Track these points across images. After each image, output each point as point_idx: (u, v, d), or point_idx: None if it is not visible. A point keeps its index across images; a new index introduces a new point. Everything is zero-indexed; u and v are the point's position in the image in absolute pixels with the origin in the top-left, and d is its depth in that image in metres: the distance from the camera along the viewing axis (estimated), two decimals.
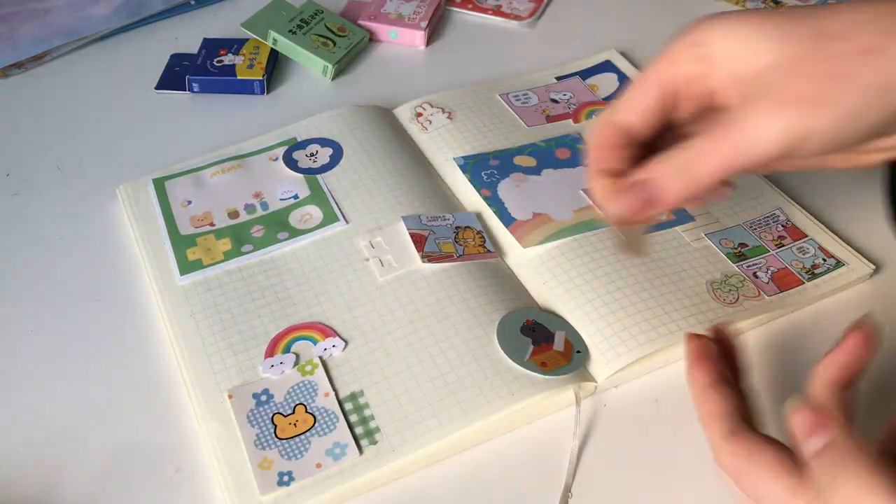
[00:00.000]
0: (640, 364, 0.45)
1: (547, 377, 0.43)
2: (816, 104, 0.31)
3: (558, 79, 0.66)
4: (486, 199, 0.55)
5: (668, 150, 0.35)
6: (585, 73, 0.67)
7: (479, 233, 0.52)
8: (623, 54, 0.69)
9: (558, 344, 0.45)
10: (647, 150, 0.37)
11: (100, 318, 0.50)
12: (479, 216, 0.54)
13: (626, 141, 0.37)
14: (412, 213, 0.53)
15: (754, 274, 0.50)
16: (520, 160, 0.58)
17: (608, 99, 0.64)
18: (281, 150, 0.59)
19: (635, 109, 0.37)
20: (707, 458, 0.42)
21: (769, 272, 0.50)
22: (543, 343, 0.45)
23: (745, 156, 0.33)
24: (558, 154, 0.58)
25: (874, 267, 0.51)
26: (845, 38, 0.31)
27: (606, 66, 0.67)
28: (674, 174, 0.34)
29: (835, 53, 0.31)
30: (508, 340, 0.45)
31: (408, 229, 0.52)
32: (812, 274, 0.50)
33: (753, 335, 0.48)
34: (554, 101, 0.64)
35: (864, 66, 0.31)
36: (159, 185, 0.57)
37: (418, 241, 0.51)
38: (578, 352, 0.45)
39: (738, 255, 0.51)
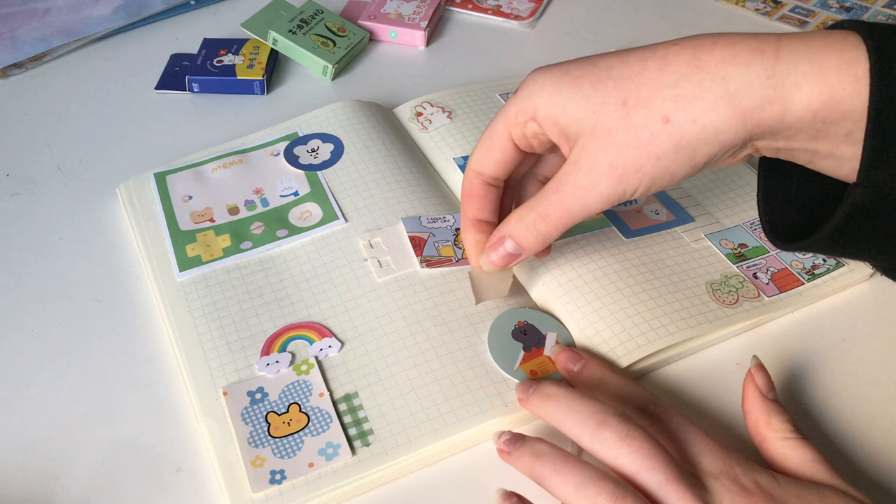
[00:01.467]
0: (639, 365, 0.45)
1: None
2: (629, 171, 0.37)
3: None
4: None
5: (520, 206, 0.42)
6: None
7: None
8: None
9: (548, 348, 0.45)
10: (517, 187, 0.46)
11: (100, 317, 0.50)
12: None
13: (488, 189, 0.44)
14: (412, 213, 0.53)
15: (754, 275, 0.49)
16: None
17: None
18: (282, 145, 0.59)
19: (489, 161, 0.43)
20: None
21: (769, 273, 0.50)
22: (534, 347, 0.45)
23: (581, 212, 0.39)
24: None
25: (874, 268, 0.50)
26: (647, 105, 0.36)
27: None
28: (527, 231, 0.41)
29: (639, 121, 0.36)
30: (499, 347, 0.45)
31: (407, 232, 0.51)
32: (812, 275, 0.50)
33: (753, 336, 0.48)
34: None
35: (663, 134, 0.36)
36: (161, 179, 0.57)
37: (417, 244, 0.51)
38: None
39: (738, 256, 0.51)
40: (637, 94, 0.36)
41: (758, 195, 0.43)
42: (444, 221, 0.53)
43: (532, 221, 0.41)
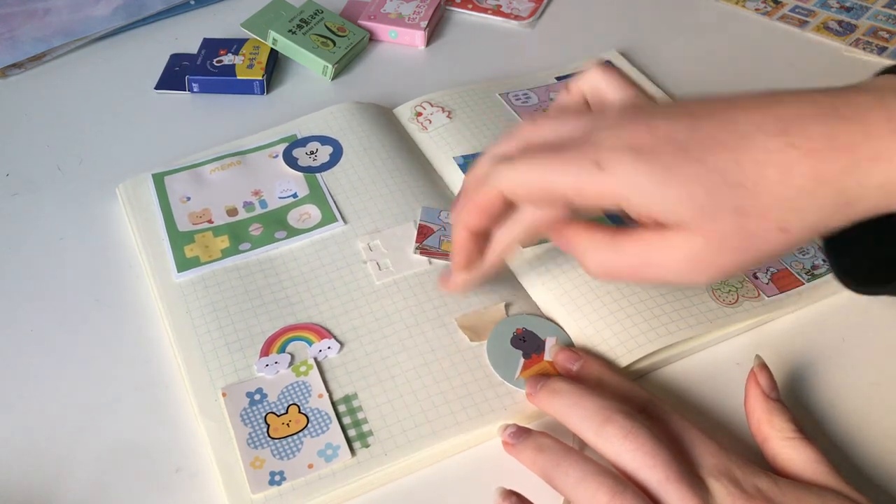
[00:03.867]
0: (639, 365, 0.45)
1: None
2: (730, 269, 0.36)
3: (558, 79, 0.66)
4: None
5: (589, 241, 0.38)
6: None
7: None
8: (623, 54, 0.68)
9: (548, 353, 0.45)
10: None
11: (100, 317, 0.50)
12: None
13: (478, 239, 0.42)
14: (411, 215, 0.53)
15: (754, 274, 0.49)
16: None
17: None
18: (281, 148, 0.59)
19: (480, 219, 0.40)
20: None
21: (769, 273, 0.49)
22: (534, 354, 0.45)
23: (649, 283, 0.45)
24: None
25: None
26: (765, 216, 0.34)
27: None
28: (597, 265, 0.38)
29: (756, 231, 0.34)
30: (499, 356, 0.45)
31: (421, 220, 0.52)
32: (812, 275, 0.50)
33: (753, 336, 0.48)
34: (553, 100, 0.64)
35: (777, 241, 0.35)
36: (159, 180, 0.57)
37: (423, 232, 0.51)
38: None
39: None
40: (755, 205, 0.34)
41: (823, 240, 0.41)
42: None
43: (601, 266, 0.38)
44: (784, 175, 0.34)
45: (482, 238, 0.42)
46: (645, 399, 0.41)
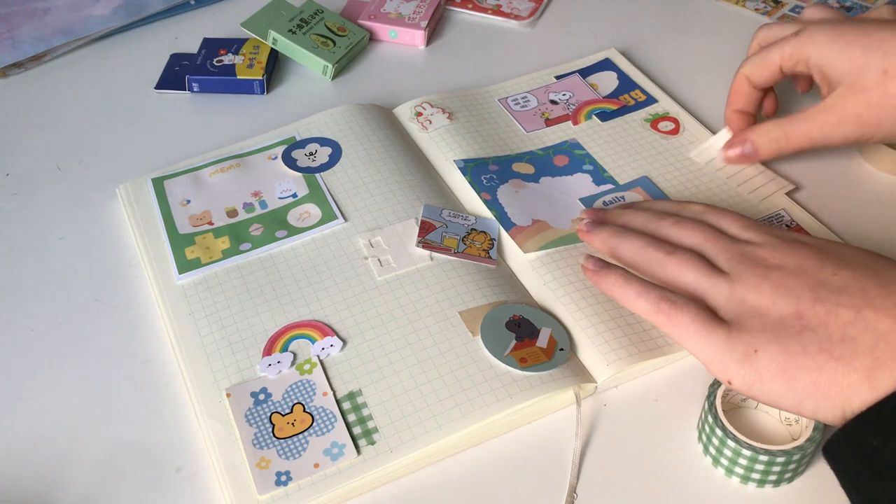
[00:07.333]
0: (640, 365, 0.45)
1: (526, 373, 0.43)
2: (871, 124, 0.48)
3: (558, 78, 0.66)
4: (485, 202, 0.54)
5: (770, 122, 0.53)
6: (585, 72, 0.67)
7: (491, 240, 0.52)
8: (623, 54, 0.69)
9: (542, 340, 0.45)
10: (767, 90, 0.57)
11: (100, 317, 0.50)
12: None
13: (751, 90, 0.55)
14: (412, 213, 0.53)
15: None
16: (518, 167, 0.58)
17: (609, 97, 0.64)
18: (280, 149, 0.59)
19: (758, 74, 0.54)
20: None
21: None
22: (527, 339, 0.45)
23: (820, 142, 0.50)
24: (556, 161, 0.58)
25: None
26: None
27: (606, 65, 0.67)
28: (768, 143, 0.53)
29: (893, 90, 0.46)
30: (491, 334, 0.45)
31: (423, 217, 0.52)
32: None
33: None
34: (553, 102, 0.64)
35: None
36: (158, 184, 0.57)
37: (425, 227, 0.51)
38: (562, 349, 0.45)
39: None
40: None
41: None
42: (465, 220, 0.53)
43: (775, 136, 0.52)
44: None
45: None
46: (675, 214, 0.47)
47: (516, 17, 0.75)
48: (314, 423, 0.42)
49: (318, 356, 0.45)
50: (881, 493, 0.33)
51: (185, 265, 0.51)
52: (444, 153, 0.59)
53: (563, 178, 0.57)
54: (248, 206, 0.55)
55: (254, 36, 0.69)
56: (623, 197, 0.55)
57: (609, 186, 0.56)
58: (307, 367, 0.45)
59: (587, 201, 0.55)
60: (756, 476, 0.40)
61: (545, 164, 0.58)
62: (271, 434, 0.42)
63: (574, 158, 0.58)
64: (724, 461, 0.40)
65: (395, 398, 0.43)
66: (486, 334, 0.45)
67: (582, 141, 0.60)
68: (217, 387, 0.44)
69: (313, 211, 0.54)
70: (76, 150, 0.62)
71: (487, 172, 0.57)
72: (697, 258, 0.42)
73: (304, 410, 0.43)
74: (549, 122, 0.62)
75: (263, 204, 0.55)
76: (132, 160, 0.61)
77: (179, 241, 0.52)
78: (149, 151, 0.61)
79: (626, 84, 0.65)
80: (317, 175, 0.57)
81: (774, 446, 0.39)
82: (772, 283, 0.38)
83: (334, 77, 0.68)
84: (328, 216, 0.53)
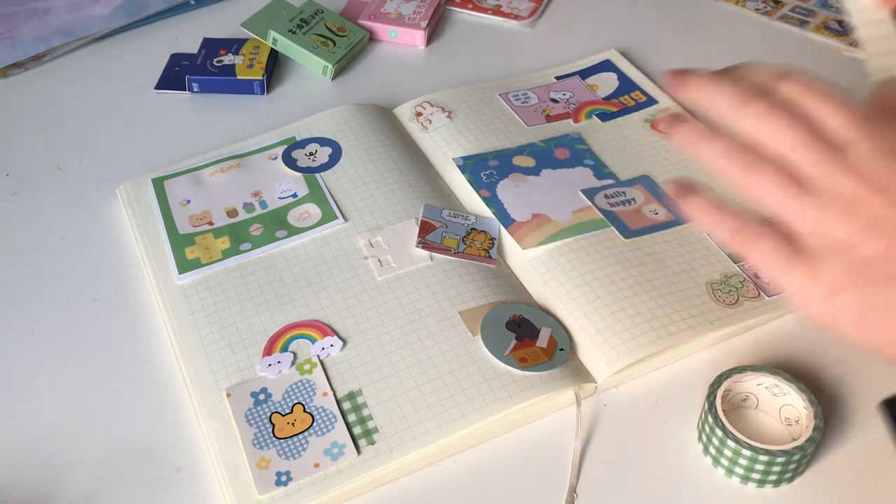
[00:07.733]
0: (640, 365, 0.45)
1: (526, 373, 0.43)
2: None
3: (558, 78, 0.66)
4: (485, 199, 0.54)
5: None
6: (585, 73, 0.67)
7: (491, 239, 0.52)
8: (623, 54, 0.69)
9: (542, 340, 0.45)
10: None
11: (100, 317, 0.50)
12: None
13: None
14: (412, 212, 0.53)
15: (755, 274, 0.49)
16: (519, 160, 0.58)
17: (608, 98, 0.64)
18: (280, 150, 0.59)
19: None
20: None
21: None
22: (527, 339, 0.45)
23: None
24: (557, 154, 0.58)
25: None
26: None
27: (606, 66, 0.67)
28: None
29: None
30: (491, 334, 0.45)
31: (423, 217, 0.52)
32: None
33: (753, 335, 0.48)
34: (554, 100, 0.64)
35: None
36: (158, 184, 0.57)
37: (425, 228, 0.51)
38: (562, 349, 0.45)
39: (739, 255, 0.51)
40: None
41: None
42: (465, 219, 0.53)
43: None
44: None
45: None
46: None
47: (516, 18, 0.75)
48: (314, 423, 0.42)
49: (318, 356, 0.45)
50: None
51: (185, 265, 0.51)
52: (444, 153, 0.59)
53: (564, 171, 0.57)
54: (249, 206, 0.55)
55: (254, 36, 0.69)
56: (624, 192, 0.55)
57: (610, 181, 0.56)
58: (307, 367, 0.45)
59: (589, 193, 0.55)
60: (756, 476, 0.40)
61: (547, 156, 0.58)
62: (271, 434, 0.42)
63: (575, 152, 0.58)
64: (724, 461, 0.40)
65: (396, 398, 0.43)
66: (486, 334, 0.45)
67: (583, 136, 0.60)
68: (217, 387, 0.44)
69: (313, 211, 0.54)
70: (76, 150, 0.62)
71: (487, 168, 0.57)
72: (781, 175, 0.35)
73: (305, 410, 0.43)
74: (550, 119, 0.62)
75: (263, 204, 0.55)
76: (132, 160, 0.61)
77: (179, 241, 0.52)
78: (149, 151, 0.61)
79: (626, 85, 0.65)
80: (317, 175, 0.57)
81: (774, 446, 0.39)
82: (866, 214, 0.33)
83: (334, 77, 0.68)
84: (328, 216, 0.53)
